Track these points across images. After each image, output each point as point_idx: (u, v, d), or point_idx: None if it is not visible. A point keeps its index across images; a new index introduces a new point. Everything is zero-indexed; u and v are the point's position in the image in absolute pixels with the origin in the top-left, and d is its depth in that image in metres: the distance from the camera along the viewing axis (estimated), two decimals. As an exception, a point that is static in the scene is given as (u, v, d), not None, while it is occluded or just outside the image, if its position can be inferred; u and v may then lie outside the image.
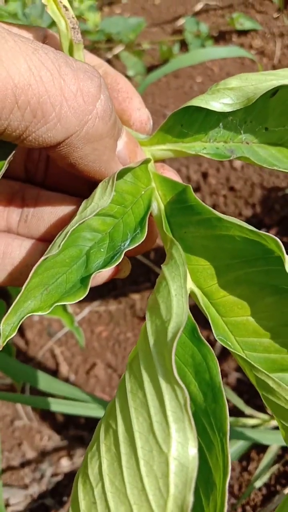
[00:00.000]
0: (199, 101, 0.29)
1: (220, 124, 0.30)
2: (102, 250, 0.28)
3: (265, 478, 0.76)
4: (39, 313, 0.26)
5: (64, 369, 1.02)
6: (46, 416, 0.98)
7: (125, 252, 0.28)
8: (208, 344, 0.25)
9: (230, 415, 0.84)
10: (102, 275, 0.31)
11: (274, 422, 0.79)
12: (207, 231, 0.27)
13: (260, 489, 0.77)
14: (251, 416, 0.82)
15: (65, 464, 0.91)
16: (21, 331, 1.08)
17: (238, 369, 0.91)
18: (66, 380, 1.00)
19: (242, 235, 0.26)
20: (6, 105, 0.22)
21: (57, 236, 0.26)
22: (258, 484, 0.76)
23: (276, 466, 0.78)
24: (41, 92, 0.23)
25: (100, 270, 0.27)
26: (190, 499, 0.18)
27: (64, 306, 0.80)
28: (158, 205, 0.30)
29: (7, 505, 0.87)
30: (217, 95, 0.29)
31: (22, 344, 1.06)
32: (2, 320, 0.25)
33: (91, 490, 0.21)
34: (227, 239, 0.27)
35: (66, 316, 0.80)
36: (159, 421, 0.19)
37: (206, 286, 0.28)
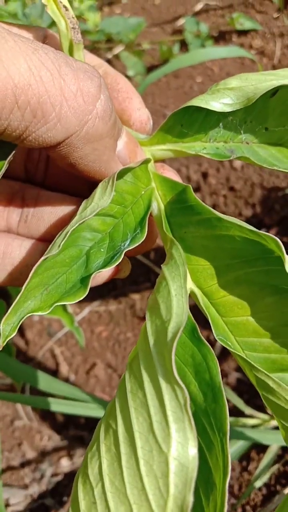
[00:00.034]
0: (199, 101, 0.29)
1: (220, 124, 0.30)
2: (102, 250, 0.28)
3: (265, 478, 0.76)
4: (39, 313, 0.26)
5: (64, 369, 1.02)
6: (46, 416, 0.98)
7: (125, 252, 0.28)
8: (208, 344, 0.25)
9: (230, 415, 0.84)
10: (102, 275, 0.31)
11: (274, 422, 0.79)
12: (207, 231, 0.27)
13: (260, 489, 0.77)
14: (251, 416, 0.82)
15: (65, 464, 0.91)
16: (21, 331, 1.08)
17: (238, 369, 0.91)
18: (66, 380, 1.00)
19: (242, 235, 0.26)
20: (6, 105, 0.22)
21: (57, 236, 0.26)
22: (258, 484, 0.76)
23: (276, 466, 0.78)
24: (41, 92, 0.23)
25: (100, 270, 0.27)
26: (190, 499, 0.18)
27: (64, 306, 0.80)
28: (158, 205, 0.30)
29: (7, 505, 0.87)
30: (217, 95, 0.29)
31: (22, 344, 1.06)
32: (2, 320, 0.25)
33: (91, 490, 0.21)
34: (227, 239, 0.27)
35: (66, 316, 0.81)
36: (159, 421, 0.19)
37: (206, 286, 0.28)
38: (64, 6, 0.28)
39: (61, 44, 0.30)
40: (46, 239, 0.31)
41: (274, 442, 0.72)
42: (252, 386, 0.72)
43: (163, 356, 0.21)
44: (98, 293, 1.09)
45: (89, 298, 1.09)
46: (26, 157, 0.34)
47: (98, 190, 0.27)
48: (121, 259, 0.27)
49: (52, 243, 0.26)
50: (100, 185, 0.27)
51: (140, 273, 1.09)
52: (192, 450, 0.18)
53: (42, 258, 0.25)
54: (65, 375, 1.01)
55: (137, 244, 0.28)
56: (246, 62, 1.35)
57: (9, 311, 0.25)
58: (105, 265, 0.27)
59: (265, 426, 0.80)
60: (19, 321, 0.25)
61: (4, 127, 0.23)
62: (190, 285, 0.28)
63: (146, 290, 1.07)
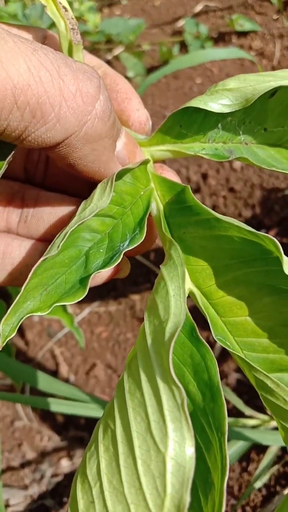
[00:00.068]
0: (197, 102, 0.29)
1: (219, 125, 0.30)
2: (101, 250, 0.28)
3: (265, 479, 0.76)
4: (39, 313, 0.26)
5: (64, 369, 1.02)
6: (46, 416, 0.98)
7: (125, 253, 0.28)
8: (206, 344, 0.25)
9: (230, 415, 0.84)
10: (101, 275, 0.31)
11: (274, 423, 0.79)
12: (205, 231, 0.27)
13: (260, 489, 0.77)
14: (251, 417, 0.82)
15: (65, 465, 0.92)
16: (21, 332, 1.08)
17: (238, 370, 0.91)
18: (66, 380, 1.00)
19: (240, 235, 0.26)
20: (5, 105, 0.22)
21: (56, 237, 0.26)
22: (258, 484, 0.76)
23: (276, 467, 0.78)
24: (40, 92, 0.23)
25: (99, 271, 0.27)
26: (187, 498, 0.18)
27: (64, 307, 0.80)
28: (157, 206, 0.30)
29: (7, 505, 0.87)
30: (215, 96, 0.29)
31: (22, 344, 1.06)
32: (1, 321, 0.25)
33: (89, 489, 0.21)
34: (226, 239, 0.27)
35: (66, 316, 0.81)
36: (157, 421, 0.20)
37: (205, 287, 0.28)
38: (64, 7, 0.28)
39: (60, 44, 0.30)
40: (45, 239, 0.31)
41: (274, 443, 0.72)
42: (252, 387, 0.72)
43: (160, 356, 0.21)
44: (98, 294, 1.09)
45: (89, 299, 1.09)
46: (26, 157, 0.34)
47: (97, 191, 0.27)
48: (120, 259, 0.27)
49: (51, 243, 0.26)
50: (99, 185, 0.27)
51: (140, 274, 1.09)
52: (189, 450, 0.18)
53: (41, 258, 0.25)
54: (65, 376, 1.01)
55: (136, 245, 0.28)
56: (245, 64, 1.36)
57: (8, 311, 0.25)
58: (104, 265, 0.27)
59: (265, 426, 0.80)
60: (19, 322, 0.25)
61: (4, 128, 0.23)
62: (189, 285, 0.28)
63: (146, 291, 1.07)
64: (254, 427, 0.80)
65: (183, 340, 0.26)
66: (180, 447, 0.19)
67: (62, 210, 0.31)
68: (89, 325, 1.06)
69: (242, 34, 1.45)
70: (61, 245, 0.25)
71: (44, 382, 0.70)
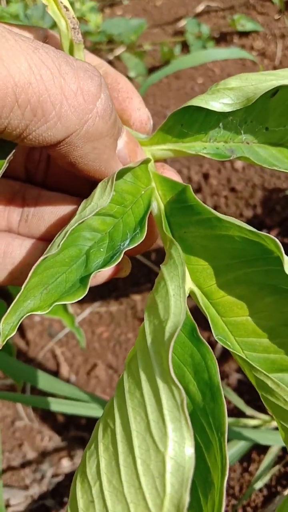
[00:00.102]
0: (199, 101, 0.29)
1: (220, 124, 0.30)
2: (101, 249, 0.28)
3: (265, 479, 0.76)
4: (39, 312, 0.26)
5: (65, 369, 1.02)
6: (47, 417, 0.98)
7: (125, 252, 0.28)
8: (207, 344, 0.25)
9: (231, 415, 0.84)
10: (102, 275, 0.31)
11: (275, 423, 0.79)
12: (206, 231, 0.27)
13: (260, 490, 0.77)
14: (252, 417, 0.82)
15: (65, 465, 0.91)
16: (22, 332, 1.08)
17: (239, 370, 0.91)
18: (67, 380, 1.00)
19: (241, 235, 0.26)
20: (6, 103, 0.22)
21: (56, 236, 0.26)
22: (259, 485, 0.76)
23: (276, 467, 0.77)
24: (41, 90, 0.23)
25: (99, 270, 0.27)
26: (187, 498, 0.18)
27: (65, 307, 0.80)
28: (158, 205, 0.30)
29: (7, 505, 0.87)
30: (217, 95, 0.29)
31: (23, 344, 1.06)
32: (1, 320, 0.25)
33: (89, 488, 0.21)
34: (227, 239, 0.27)
35: (67, 316, 0.81)
36: (156, 420, 0.19)
37: (206, 286, 0.28)
38: (65, 7, 0.28)
39: (61, 44, 0.30)
40: (46, 239, 0.31)
41: (275, 443, 0.72)
42: (252, 387, 0.72)
43: (160, 356, 0.21)
44: (99, 294, 1.09)
45: (90, 299, 1.09)
46: (27, 157, 0.34)
47: (98, 190, 0.27)
48: (120, 258, 0.27)
49: (52, 242, 0.26)
50: (99, 184, 0.27)
51: (141, 274, 1.09)
52: (189, 450, 0.18)
53: (42, 257, 0.25)
54: (66, 376, 1.01)
55: (136, 244, 0.28)
56: (247, 64, 1.36)
57: (8, 310, 0.25)
58: (104, 264, 0.27)
59: (266, 426, 0.80)
60: (19, 320, 0.25)
61: (5, 126, 0.23)
62: (190, 285, 0.28)
63: (147, 291, 1.07)
64: (255, 427, 0.79)
65: (184, 339, 0.26)
66: (179, 447, 0.19)
67: (63, 209, 0.31)
68: (90, 325, 1.06)
69: (244, 34, 1.45)
70: (62, 244, 0.25)
71: (45, 381, 0.70)
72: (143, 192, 0.30)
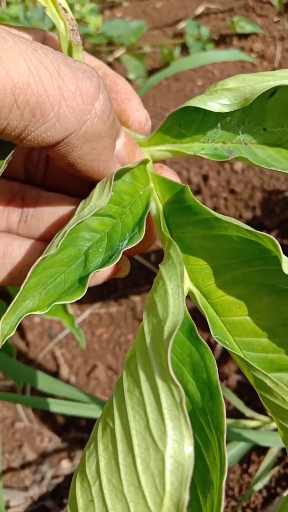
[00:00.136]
0: (197, 102, 0.29)
1: (218, 124, 0.30)
2: (100, 250, 0.28)
3: (265, 481, 0.76)
4: (38, 312, 0.26)
5: (64, 371, 1.02)
6: (47, 418, 0.98)
7: (124, 252, 0.28)
8: (205, 343, 0.25)
9: (231, 417, 0.84)
10: (101, 275, 0.31)
11: (274, 425, 0.79)
12: (205, 231, 0.27)
13: (260, 491, 0.77)
14: (251, 418, 0.82)
15: (65, 466, 0.91)
16: (22, 333, 1.08)
17: (239, 371, 0.91)
18: (67, 382, 1.00)
19: (239, 235, 0.26)
20: (5, 104, 0.22)
21: (55, 236, 0.26)
22: (259, 486, 0.76)
23: (276, 469, 0.77)
24: (40, 91, 0.23)
25: (98, 270, 0.27)
26: (186, 496, 0.18)
27: (64, 308, 0.80)
28: (156, 205, 0.30)
29: (7, 507, 0.87)
30: (214, 96, 0.29)
31: (23, 346, 1.06)
32: (1, 319, 0.25)
33: (88, 488, 0.21)
34: (225, 239, 0.27)
35: (67, 317, 0.81)
36: (155, 419, 0.20)
37: (204, 286, 0.28)
38: (63, 8, 0.29)
39: (60, 45, 0.30)
40: (46, 239, 0.31)
41: (274, 444, 0.72)
42: (252, 388, 0.72)
43: (159, 355, 0.21)
44: (99, 295, 1.09)
45: (90, 300, 1.09)
46: (26, 158, 0.34)
47: (96, 190, 0.27)
48: (119, 258, 0.27)
49: (50, 243, 0.26)
50: (98, 185, 0.27)
51: (141, 275, 1.09)
52: (188, 448, 0.18)
53: (40, 258, 0.25)
54: (65, 377, 1.01)
55: (135, 244, 0.28)
56: (246, 66, 1.36)
57: (7, 310, 0.25)
58: (103, 264, 0.27)
59: (266, 428, 0.80)
60: (18, 320, 0.25)
61: (4, 127, 0.23)
62: (189, 284, 0.28)
63: (147, 292, 1.07)
64: (254, 428, 0.79)
65: (182, 339, 0.26)
66: (179, 446, 0.19)
67: (62, 210, 0.31)
68: (90, 327, 1.06)
69: (243, 36, 1.46)
70: (60, 244, 0.25)
71: (45, 382, 0.70)
72: (141, 192, 0.30)
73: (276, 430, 0.78)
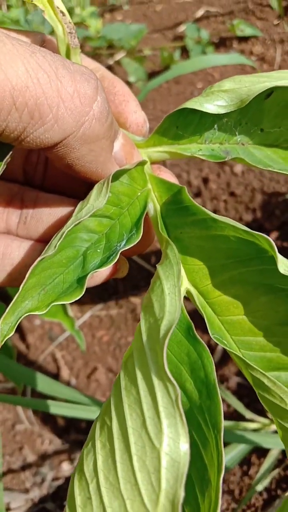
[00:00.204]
0: (193, 103, 0.29)
1: (215, 125, 0.31)
2: (98, 250, 0.28)
3: (265, 483, 0.76)
4: (37, 312, 0.26)
5: (65, 373, 1.02)
6: (47, 420, 0.98)
7: (122, 252, 0.28)
8: (203, 343, 0.25)
9: (231, 419, 0.84)
10: (100, 275, 0.31)
11: (275, 426, 0.79)
12: (202, 231, 0.28)
13: (260, 493, 0.77)
14: (251, 420, 0.82)
15: (66, 468, 0.91)
16: (22, 335, 1.08)
17: (239, 373, 0.91)
18: (67, 384, 1.00)
19: (236, 235, 0.26)
20: (4, 107, 0.22)
21: (53, 237, 0.27)
22: (259, 488, 0.75)
23: (276, 471, 0.77)
24: (39, 93, 0.23)
25: (96, 270, 0.27)
26: (181, 493, 0.18)
27: (65, 310, 0.80)
28: (154, 206, 0.30)
29: (8, 509, 0.87)
30: (211, 97, 0.29)
31: (23, 348, 1.06)
32: (0, 320, 0.25)
33: (86, 486, 0.22)
34: (222, 239, 0.27)
35: (67, 319, 0.81)
36: (152, 417, 0.20)
37: (202, 286, 0.28)
38: (61, 11, 0.29)
39: (58, 48, 0.31)
40: (45, 240, 0.32)
41: (275, 446, 0.72)
42: (252, 390, 0.72)
43: (156, 353, 0.21)
44: (99, 297, 1.10)
45: (90, 302, 1.09)
46: (25, 159, 0.34)
47: (94, 192, 0.27)
48: (116, 259, 0.28)
49: (49, 244, 0.26)
50: (96, 186, 0.28)
51: (141, 277, 1.09)
52: (184, 446, 0.19)
53: (39, 258, 0.25)
54: (66, 379, 1.01)
55: (132, 245, 0.28)
56: (246, 68, 1.36)
57: (7, 310, 0.25)
58: (101, 265, 0.28)
59: (266, 430, 0.80)
60: (17, 321, 0.25)
61: (2, 129, 0.23)
62: (187, 285, 0.28)
63: (147, 294, 1.07)
64: (255, 430, 0.79)
65: (180, 338, 0.26)
66: (174, 443, 0.19)
67: (61, 211, 0.31)
68: (90, 329, 1.06)
69: (243, 39, 1.46)
70: (58, 245, 0.25)
71: (45, 384, 0.70)
72: (139, 193, 0.30)
73: (276, 432, 0.78)
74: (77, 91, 0.24)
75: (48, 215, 0.32)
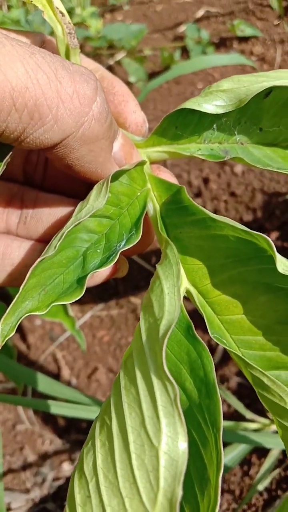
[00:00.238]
0: (192, 104, 0.29)
1: (214, 125, 0.31)
2: (98, 250, 0.28)
3: (266, 483, 0.76)
4: (37, 313, 0.26)
5: (65, 373, 1.02)
6: (48, 420, 0.98)
7: (122, 252, 0.28)
8: (202, 342, 0.25)
9: (231, 419, 0.84)
10: (100, 275, 0.31)
11: (275, 427, 0.79)
12: (201, 231, 0.28)
13: (261, 493, 0.77)
14: (252, 421, 0.82)
15: (66, 468, 0.92)
16: (23, 336, 1.08)
17: (239, 373, 0.91)
18: (68, 384, 1.00)
19: (235, 234, 0.26)
20: (4, 107, 0.22)
21: (53, 238, 0.27)
22: (259, 488, 0.75)
23: (277, 471, 0.77)
24: (38, 94, 0.23)
25: (96, 270, 0.27)
26: (179, 492, 0.18)
27: (65, 310, 0.80)
28: (153, 206, 0.30)
29: (8, 509, 0.87)
30: (210, 98, 0.29)
31: (24, 348, 1.06)
32: (1, 320, 0.25)
33: (86, 484, 0.22)
34: (221, 238, 0.27)
35: (68, 320, 0.81)
36: (151, 416, 0.20)
37: (201, 285, 0.28)
38: (61, 12, 0.29)
39: (58, 49, 0.31)
40: (45, 240, 0.32)
41: (275, 446, 0.72)
42: (252, 390, 0.72)
43: (155, 353, 0.21)
44: (100, 298, 1.10)
45: (91, 303, 1.09)
46: (25, 160, 0.34)
47: (93, 192, 0.27)
48: (116, 259, 0.28)
49: (49, 244, 0.26)
50: (95, 187, 0.28)
51: (141, 277, 1.09)
52: (182, 445, 0.19)
53: (39, 259, 0.25)
54: (66, 379, 1.01)
55: (132, 245, 0.28)
56: (247, 68, 1.36)
57: (7, 311, 0.26)
58: (101, 265, 0.28)
59: (266, 430, 0.80)
60: (18, 321, 0.26)
61: (2, 129, 0.23)
62: (186, 284, 0.28)
63: (148, 294, 1.07)
64: (255, 430, 0.79)
65: (180, 338, 0.26)
66: (173, 442, 0.19)
67: (61, 211, 0.31)
68: (91, 329, 1.07)
69: (243, 39, 1.46)
70: (58, 245, 0.25)
71: (46, 384, 0.70)
72: (138, 193, 0.30)
73: (276, 432, 0.78)
74: (77, 91, 0.24)
75: (48, 215, 0.32)
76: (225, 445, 0.75)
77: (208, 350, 0.25)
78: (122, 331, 1.05)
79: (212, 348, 0.92)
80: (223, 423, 0.78)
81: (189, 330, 0.26)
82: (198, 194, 1.14)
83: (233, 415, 0.85)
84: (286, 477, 0.77)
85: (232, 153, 0.31)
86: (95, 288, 1.07)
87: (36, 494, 0.89)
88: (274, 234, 1.03)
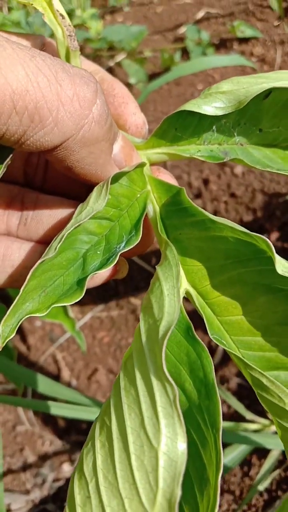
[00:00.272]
0: (191, 106, 0.30)
1: (214, 127, 0.31)
2: (98, 252, 0.28)
3: (266, 483, 0.76)
4: (37, 314, 0.26)
5: (65, 374, 1.02)
6: (48, 421, 0.98)
7: (122, 253, 0.28)
8: (202, 343, 0.26)
9: (231, 420, 0.84)
10: (100, 276, 0.31)
11: (275, 427, 0.79)
12: (201, 232, 0.28)
13: (261, 494, 0.77)
14: (252, 421, 0.82)
15: (66, 469, 0.92)
16: (23, 337, 1.08)
17: (239, 374, 0.91)
18: (68, 385, 1.01)
19: (234, 236, 0.27)
20: (4, 110, 0.22)
21: (53, 240, 0.27)
22: (260, 489, 0.76)
23: (277, 471, 0.77)
24: (38, 97, 0.23)
25: (96, 272, 0.28)
26: (178, 493, 0.18)
27: (65, 311, 0.80)
28: (153, 208, 0.31)
29: (8, 510, 0.87)
30: (209, 99, 0.29)
31: (24, 349, 1.06)
32: (1, 322, 0.25)
33: (86, 485, 0.22)
34: (221, 240, 0.27)
35: (68, 321, 0.81)
36: (150, 417, 0.20)
37: (201, 287, 0.28)
38: (61, 14, 0.29)
39: (58, 51, 0.31)
40: (45, 242, 0.32)
41: (275, 447, 0.72)
42: (252, 391, 0.72)
43: (154, 354, 0.21)
44: (100, 299, 1.10)
45: (91, 304, 1.09)
46: (25, 161, 0.34)
47: (93, 194, 0.27)
48: (116, 260, 0.28)
49: (49, 246, 0.27)
50: (95, 189, 0.28)
51: (141, 278, 1.09)
52: (181, 445, 0.19)
53: (39, 261, 0.25)
54: (66, 380, 1.01)
55: (132, 246, 0.28)
56: (247, 69, 1.36)
57: (7, 313, 0.26)
58: (101, 267, 0.28)
59: (266, 431, 0.80)
60: (18, 323, 0.26)
61: (3, 132, 0.23)
62: (186, 285, 0.29)
63: (148, 295, 1.07)
64: (255, 431, 0.80)
65: (180, 339, 0.26)
66: (172, 443, 0.19)
67: (61, 213, 0.31)
68: (91, 330, 1.07)
69: (244, 40, 1.46)
70: (58, 247, 0.25)
71: (46, 385, 0.70)
72: (138, 195, 0.30)
73: (276, 433, 0.78)
74: (77, 94, 0.25)
75: (48, 216, 0.32)
76: (225, 445, 0.75)
77: (208, 351, 0.25)
78: (122, 332, 1.05)
79: (212, 349, 0.92)
80: (223, 424, 0.78)
81: (188, 331, 0.26)
82: (198, 195, 1.14)
83: (233, 416, 0.85)
84: (286, 478, 0.77)
85: (231, 154, 0.31)
86: (95, 289, 1.07)
87: (36, 495, 0.89)
88: (275, 235, 1.03)
